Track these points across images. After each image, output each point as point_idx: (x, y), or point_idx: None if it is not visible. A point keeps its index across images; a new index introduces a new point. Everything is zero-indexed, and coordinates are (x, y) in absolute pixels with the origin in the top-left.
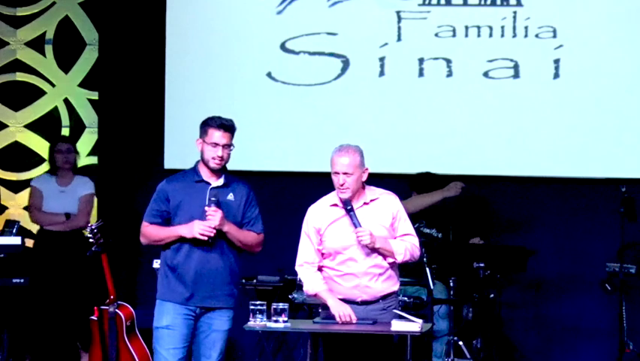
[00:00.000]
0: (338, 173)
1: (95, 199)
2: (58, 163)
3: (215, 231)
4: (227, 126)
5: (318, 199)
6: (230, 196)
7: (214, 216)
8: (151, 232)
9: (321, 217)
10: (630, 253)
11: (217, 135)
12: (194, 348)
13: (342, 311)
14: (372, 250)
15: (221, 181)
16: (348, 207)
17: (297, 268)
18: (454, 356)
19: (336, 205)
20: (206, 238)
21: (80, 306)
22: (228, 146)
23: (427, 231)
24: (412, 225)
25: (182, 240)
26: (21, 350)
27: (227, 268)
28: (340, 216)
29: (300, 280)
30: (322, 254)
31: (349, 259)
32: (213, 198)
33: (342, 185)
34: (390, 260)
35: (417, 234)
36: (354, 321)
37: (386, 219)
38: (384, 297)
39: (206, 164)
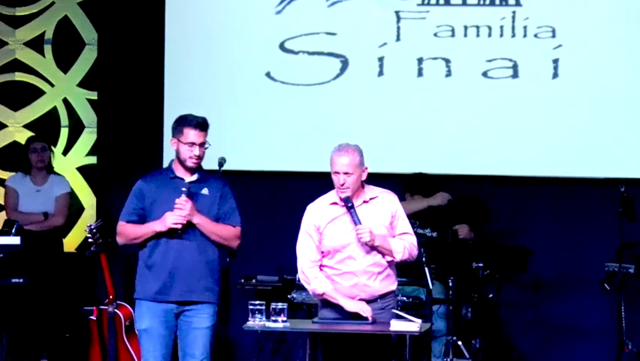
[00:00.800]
0: (338, 173)
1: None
2: (33, 162)
3: (185, 219)
4: (203, 125)
5: (314, 200)
6: (205, 191)
7: (184, 206)
8: (128, 230)
9: (320, 215)
10: (629, 253)
11: (193, 135)
12: (178, 347)
13: (361, 309)
14: (372, 248)
15: (195, 177)
16: (349, 205)
17: (300, 267)
18: (453, 356)
19: (335, 204)
20: (179, 227)
21: (60, 307)
22: (204, 144)
23: (421, 231)
24: None
25: (157, 237)
26: (20, 350)
27: (204, 263)
28: (340, 214)
29: (298, 280)
30: (321, 253)
31: (348, 257)
32: (184, 189)
33: (342, 185)
34: (389, 259)
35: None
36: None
37: (385, 217)
38: (383, 296)
39: (182, 163)
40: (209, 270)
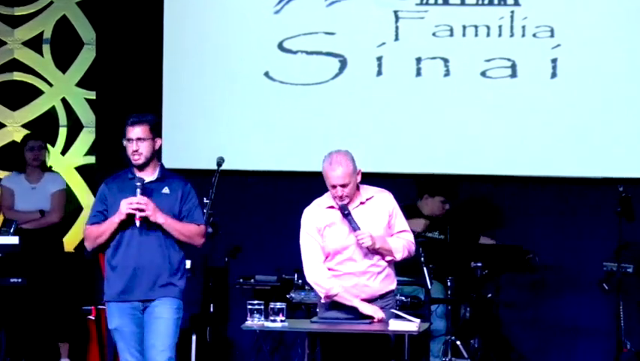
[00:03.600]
0: (335, 186)
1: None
2: (28, 160)
3: (142, 206)
4: (138, 120)
5: (313, 200)
6: (166, 190)
7: (146, 205)
8: (91, 231)
9: (318, 219)
10: (627, 253)
11: (130, 131)
12: (144, 343)
13: (375, 312)
14: (372, 250)
15: (155, 176)
16: (345, 212)
17: (310, 270)
18: (452, 356)
19: (332, 207)
20: (134, 210)
21: (58, 305)
22: (144, 139)
23: (429, 235)
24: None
25: (120, 238)
26: (19, 350)
27: (167, 260)
28: (338, 218)
29: (297, 280)
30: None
31: (348, 259)
32: (139, 183)
33: (341, 197)
34: (389, 258)
35: (423, 238)
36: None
37: (383, 217)
38: (382, 296)
39: (129, 160)
40: (172, 268)
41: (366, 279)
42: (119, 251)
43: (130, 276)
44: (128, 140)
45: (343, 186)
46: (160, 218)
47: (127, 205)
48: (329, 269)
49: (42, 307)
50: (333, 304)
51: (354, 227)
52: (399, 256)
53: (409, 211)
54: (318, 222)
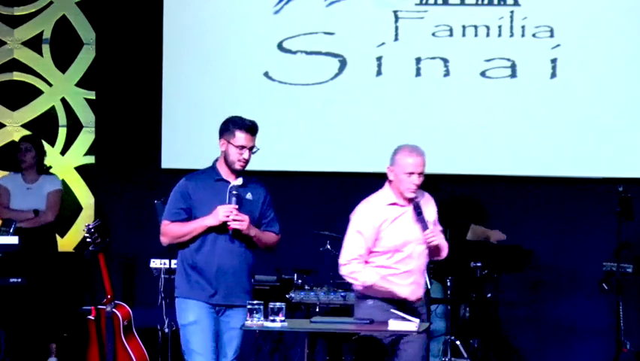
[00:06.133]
0: (413, 173)
1: (61, 195)
2: (19, 161)
3: (240, 218)
4: (254, 129)
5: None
6: (249, 195)
7: (244, 219)
8: (174, 229)
9: (379, 216)
10: (627, 253)
11: (245, 138)
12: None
13: (413, 292)
14: (429, 248)
15: (240, 180)
16: (419, 211)
17: (346, 261)
18: (452, 356)
19: (394, 204)
20: (230, 220)
21: (53, 305)
22: (252, 148)
23: None
24: None
25: (202, 238)
26: (18, 349)
27: (246, 265)
28: (400, 214)
29: (296, 280)
30: (373, 253)
31: (407, 256)
32: (235, 192)
33: (417, 185)
34: (433, 258)
35: None
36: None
37: (432, 216)
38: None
39: (230, 165)
40: (249, 273)
41: (420, 276)
42: (201, 252)
43: (212, 278)
44: (241, 147)
45: (420, 174)
46: (252, 231)
47: (225, 214)
48: (387, 268)
49: (36, 307)
50: (377, 295)
51: (425, 225)
52: (444, 255)
53: None
54: (376, 219)
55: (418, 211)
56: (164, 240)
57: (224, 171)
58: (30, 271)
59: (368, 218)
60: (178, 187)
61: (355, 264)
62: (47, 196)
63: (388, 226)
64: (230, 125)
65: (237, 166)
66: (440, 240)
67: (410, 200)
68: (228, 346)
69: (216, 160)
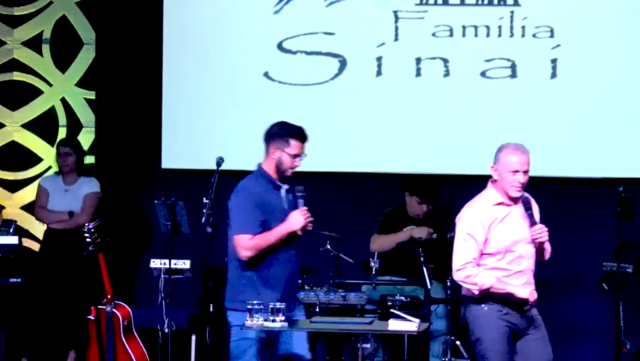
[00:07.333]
0: (518, 171)
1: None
2: (59, 166)
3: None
4: (307, 137)
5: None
6: (290, 197)
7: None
8: (259, 242)
9: (487, 216)
10: (627, 253)
11: (300, 147)
12: (281, 351)
13: (532, 293)
14: (538, 247)
15: (287, 185)
16: (528, 207)
17: (460, 265)
18: (452, 356)
19: (501, 204)
20: (307, 223)
21: (80, 306)
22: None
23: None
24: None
25: (276, 248)
26: (18, 349)
27: (299, 273)
28: (507, 213)
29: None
30: (484, 254)
31: (519, 256)
32: (300, 194)
33: (522, 183)
34: (538, 259)
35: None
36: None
37: (536, 216)
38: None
39: (282, 172)
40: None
41: (531, 277)
42: (276, 261)
43: (282, 287)
44: (295, 155)
45: (525, 172)
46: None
47: (304, 217)
48: (500, 270)
49: (59, 310)
50: (496, 298)
51: (533, 221)
52: (547, 256)
53: (396, 215)
54: (485, 220)
55: (527, 207)
56: (249, 253)
57: (274, 176)
58: (57, 272)
59: (476, 219)
60: (247, 200)
61: (470, 268)
62: (83, 199)
63: (497, 225)
64: (284, 133)
65: (290, 173)
66: (547, 238)
67: (515, 199)
68: (300, 346)
69: (261, 166)
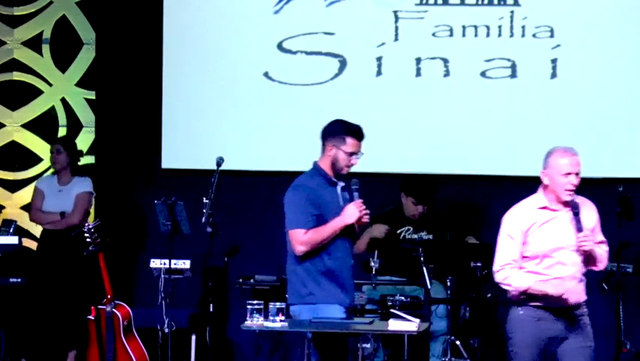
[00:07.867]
0: (570, 173)
1: (93, 197)
2: (52, 163)
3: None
4: (363, 135)
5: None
6: (347, 195)
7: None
8: (313, 236)
9: (528, 219)
10: (627, 253)
11: (356, 145)
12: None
13: (564, 292)
14: (583, 256)
15: (342, 182)
16: (576, 211)
17: (501, 266)
18: (452, 356)
19: (545, 208)
20: (363, 215)
21: (77, 306)
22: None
23: (415, 236)
24: (398, 233)
25: (332, 242)
26: (18, 349)
27: (353, 266)
28: (550, 218)
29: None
30: (524, 257)
31: (558, 262)
32: (356, 187)
33: (574, 185)
34: (589, 267)
35: (403, 241)
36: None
37: (591, 223)
38: (584, 302)
39: (338, 169)
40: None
41: (575, 284)
42: (335, 256)
43: (345, 282)
44: (351, 153)
45: (577, 174)
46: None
47: (359, 209)
48: (536, 274)
49: (59, 310)
50: (535, 299)
51: (579, 227)
52: (601, 266)
53: (394, 215)
54: (524, 223)
55: (575, 211)
56: (304, 248)
57: (330, 173)
58: (53, 272)
59: (516, 221)
60: (301, 196)
61: (508, 269)
62: (75, 198)
63: (536, 229)
64: (341, 131)
65: (345, 171)
66: (593, 246)
67: (567, 203)
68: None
69: (318, 163)
